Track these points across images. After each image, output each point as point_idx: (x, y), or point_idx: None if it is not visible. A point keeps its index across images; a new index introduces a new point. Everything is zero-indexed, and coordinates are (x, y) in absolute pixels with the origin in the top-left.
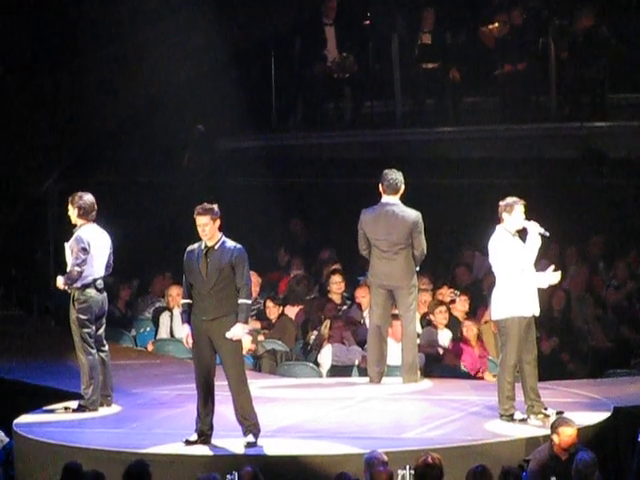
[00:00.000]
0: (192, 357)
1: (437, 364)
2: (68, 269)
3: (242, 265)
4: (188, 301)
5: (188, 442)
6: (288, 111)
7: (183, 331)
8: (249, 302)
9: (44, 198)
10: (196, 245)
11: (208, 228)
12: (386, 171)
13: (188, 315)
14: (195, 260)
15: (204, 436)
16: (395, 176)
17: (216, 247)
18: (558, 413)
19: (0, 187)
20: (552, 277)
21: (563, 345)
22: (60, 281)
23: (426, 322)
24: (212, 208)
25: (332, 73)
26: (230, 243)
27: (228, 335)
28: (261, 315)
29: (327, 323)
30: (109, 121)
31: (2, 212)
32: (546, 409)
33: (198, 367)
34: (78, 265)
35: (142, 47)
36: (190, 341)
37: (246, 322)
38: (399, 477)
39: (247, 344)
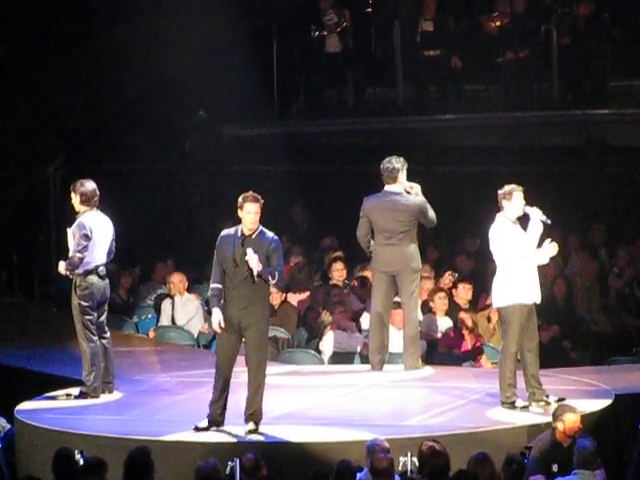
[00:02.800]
0: (216, 344)
1: (437, 351)
2: (69, 255)
3: (278, 254)
4: (218, 286)
5: (197, 429)
6: (290, 98)
7: (214, 315)
8: (278, 278)
9: (46, 184)
10: (232, 231)
11: (258, 216)
12: (383, 161)
13: (218, 300)
14: (231, 247)
15: (215, 422)
16: (389, 165)
17: (253, 236)
18: (559, 400)
19: (2, 173)
20: (549, 249)
21: (564, 333)
22: (62, 267)
23: (427, 309)
24: (259, 197)
25: (327, 30)
26: (268, 234)
27: (248, 254)
28: None
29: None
30: (112, 108)
31: (4, 198)
32: (547, 396)
33: (221, 354)
34: (79, 251)
35: (145, 34)
36: (223, 325)
37: (272, 276)
38: (400, 464)
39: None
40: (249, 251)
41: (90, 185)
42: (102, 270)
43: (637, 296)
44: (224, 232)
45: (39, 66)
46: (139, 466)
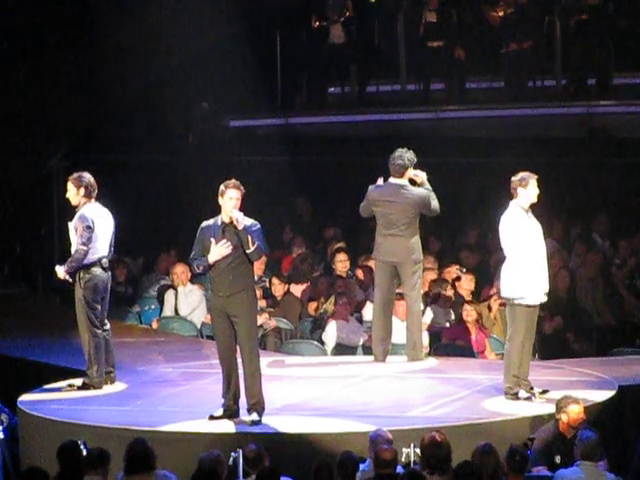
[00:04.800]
0: (213, 335)
1: (440, 342)
2: (74, 248)
3: (257, 235)
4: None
5: (212, 417)
6: (294, 90)
7: (212, 250)
8: (256, 248)
9: (49, 176)
10: (211, 221)
11: (239, 203)
12: (394, 153)
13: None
14: (211, 236)
15: (229, 411)
16: (400, 161)
17: (233, 223)
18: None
19: (5, 165)
20: None
21: (568, 324)
22: (60, 271)
23: (430, 300)
24: (241, 186)
25: (328, 20)
26: (247, 220)
27: (234, 212)
28: (266, 293)
29: (332, 299)
30: (114, 100)
31: (7, 189)
32: (532, 388)
33: (219, 344)
34: (84, 243)
35: (148, 26)
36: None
37: (252, 241)
38: (403, 455)
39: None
40: (235, 211)
41: (90, 177)
42: (105, 262)
43: (639, 287)
44: (204, 223)
45: (41, 59)
46: (140, 457)
